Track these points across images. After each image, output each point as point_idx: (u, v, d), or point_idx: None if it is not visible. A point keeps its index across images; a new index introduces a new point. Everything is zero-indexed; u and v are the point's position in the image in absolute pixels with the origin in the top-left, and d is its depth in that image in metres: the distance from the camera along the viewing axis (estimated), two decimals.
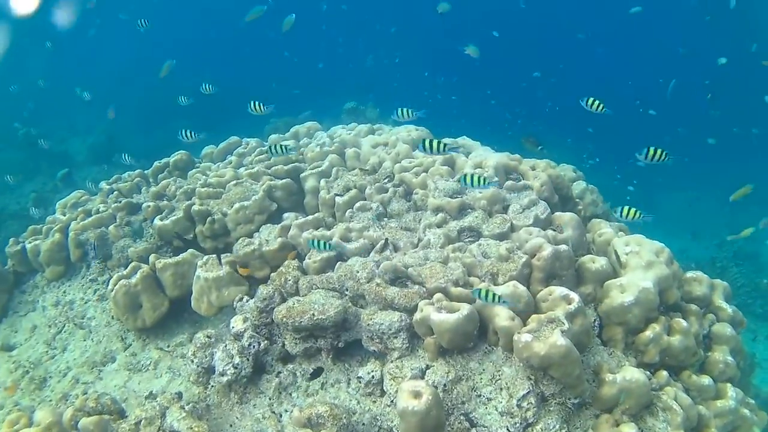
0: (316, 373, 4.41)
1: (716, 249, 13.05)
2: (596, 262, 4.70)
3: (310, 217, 5.31)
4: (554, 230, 4.87)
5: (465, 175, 4.78)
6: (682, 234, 13.16)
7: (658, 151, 5.08)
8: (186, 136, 6.84)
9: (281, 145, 5.56)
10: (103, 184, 7.20)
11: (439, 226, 4.88)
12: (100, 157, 15.77)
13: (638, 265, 4.67)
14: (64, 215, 6.78)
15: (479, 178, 4.75)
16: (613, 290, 4.54)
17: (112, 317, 5.79)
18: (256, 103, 6.39)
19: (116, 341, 5.64)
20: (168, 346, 5.44)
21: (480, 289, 4.05)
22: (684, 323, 4.57)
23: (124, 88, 21.14)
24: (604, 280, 4.66)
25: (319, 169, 5.94)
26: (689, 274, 5.03)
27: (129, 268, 5.55)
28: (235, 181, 6.08)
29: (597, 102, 5.61)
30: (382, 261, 4.60)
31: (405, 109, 5.47)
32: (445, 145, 4.96)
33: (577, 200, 5.53)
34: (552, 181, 5.21)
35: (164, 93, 21.39)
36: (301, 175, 6.04)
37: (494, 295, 4.03)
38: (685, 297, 4.90)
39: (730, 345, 4.83)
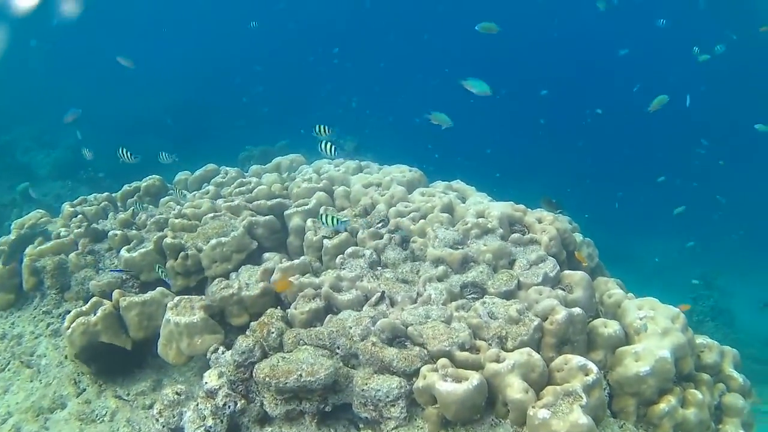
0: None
1: (691, 303, 12.78)
2: (608, 327, 4.18)
3: (296, 261, 4.65)
4: (563, 290, 4.34)
5: (321, 215, 4.94)
6: (652, 284, 12.85)
7: (323, 127, 5.46)
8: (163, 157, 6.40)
9: (333, 217, 4.91)
10: (66, 206, 6.42)
11: (440, 279, 4.29)
12: (64, 172, 14.86)
13: (654, 332, 4.17)
14: None
15: (333, 218, 4.80)
16: (626, 358, 4.03)
17: (66, 357, 5.02)
18: (125, 150, 6.54)
19: (68, 385, 4.85)
20: (128, 395, 4.69)
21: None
22: (699, 395, 4.09)
23: (94, 103, 20.23)
24: (617, 346, 4.14)
25: (306, 207, 5.28)
26: (699, 341, 4.56)
27: (89, 303, 4.80)
28: (212, 214, 5.39)
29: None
30: (377, 317, 3.99)
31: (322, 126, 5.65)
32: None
33: (585, 258, 5.02)
34: (560, 235, 4.69)
35: (136, 110, 20.57)
36: (286, 212, 5.36)
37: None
38: (695, 365, 4.42)
39: (741, 417, 4.36)
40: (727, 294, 13.51)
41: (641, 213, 18.28)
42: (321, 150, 5.53)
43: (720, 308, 12.68)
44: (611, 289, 4.72)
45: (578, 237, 5.66)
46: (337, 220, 4.83)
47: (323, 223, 4.94)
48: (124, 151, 6.67)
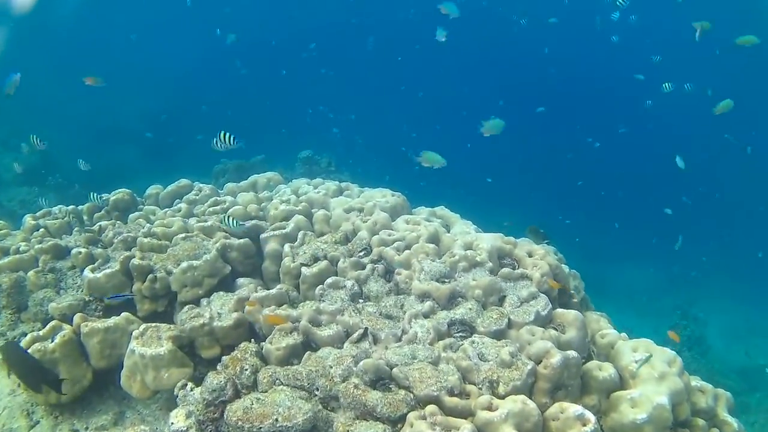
0: None
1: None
2: (603, 370, 3.91)
3: (273, 291, 4.29)
4: (555, 329, 4.07)
5: (225, 216, 5.11)
6: (626, 310, 12.66)
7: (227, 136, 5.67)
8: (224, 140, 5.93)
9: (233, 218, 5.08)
10: (28, 218, 5.97)
11: (426, 316, 3.98)
12: (31, 178, 14.23)
13: (650, 376, 3.90)
14: None
15: (233, 219, 5.02)
16: (622, 404, 3.76)
17: (19, 385, 4.59)
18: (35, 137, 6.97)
19: (20, 417, 4.40)
20: (86, 429, 4.29)
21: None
22: None
23: (66, 106, 19.45)
24: (612, 390, 3.88)
25: (284, 231, 4.91)
26: (693, 383, 4.31)
27: (48, 327, 4.39)
28: (184, 234, 5.01)
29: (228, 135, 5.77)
30: (360, 356, 3.66)
31: (225, 134, 5.75)
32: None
33: (573, 292, 4.75)
34: (552, 271, 4.41)
35: (110, 113, 19.90)
36: (262, 235, 4.98)
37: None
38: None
39: None
40: (701, 322, 13.42)
41: (617, 240, 18.09)
42: (214, 144, 5.76)
43: (696, 337, 12.56)
44: (604, 328, 4.47)
45: (564, 268, 5.42)
46: (237, 222, 4.99)
47: (222, 223, 5.08)
48: (35, 137, 6.96)
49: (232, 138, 5.69)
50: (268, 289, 4.82)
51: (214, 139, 5.71)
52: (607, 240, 18.12)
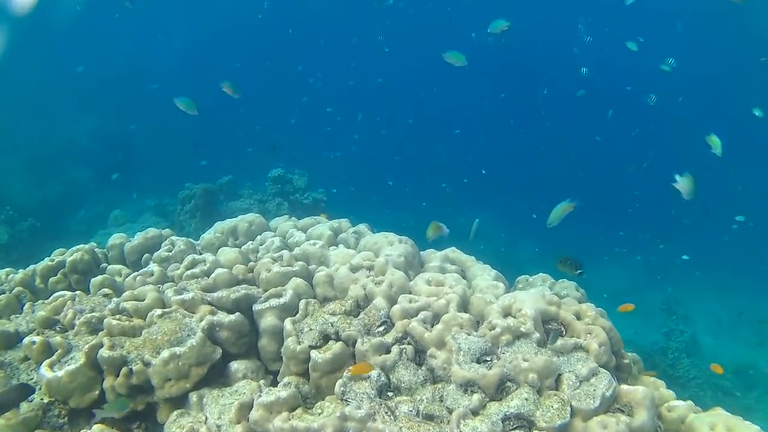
0: None
1: (664, 338, 12.00)
2: None
3: (283, 394, 3.27)
4: (622, 411, 3.27)
5: None
6: (610, 311, 12.02)
7: None
8: None
9: None
10: None
11: (475, 413, 3.14)
12: None
13: None
14: None
15: None
16: None
17: None
18: None
19: None
20: None
21: None
22: None
23: (11, 127, 17.78)
24: None
25: (281, 301, 3.92)
26: None
27: None
28: (160, 311, 4.01)
29: None
30: None
31: None
32: None
33: (624, 351, 3.94)
34: (607, 334, 3.60)
35: (61, 134, 18.28)
36: (255, 307, 3.97)
37: None
38: None
39: None
40: (691, 321, 12.92)
41: (590, 239, 17.48)
42: None
43: (695, 343, 11.98)
44: (667, 398, 3.69)
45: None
46: None
47: None
48: None
49: None
50: (268, 371, 3.93)
51: None
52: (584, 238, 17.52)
